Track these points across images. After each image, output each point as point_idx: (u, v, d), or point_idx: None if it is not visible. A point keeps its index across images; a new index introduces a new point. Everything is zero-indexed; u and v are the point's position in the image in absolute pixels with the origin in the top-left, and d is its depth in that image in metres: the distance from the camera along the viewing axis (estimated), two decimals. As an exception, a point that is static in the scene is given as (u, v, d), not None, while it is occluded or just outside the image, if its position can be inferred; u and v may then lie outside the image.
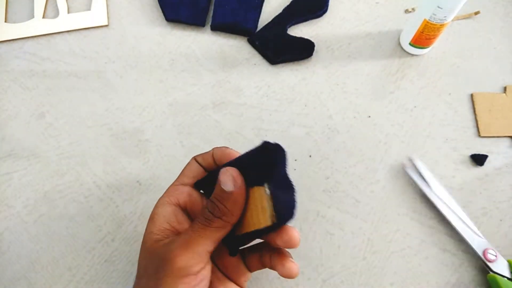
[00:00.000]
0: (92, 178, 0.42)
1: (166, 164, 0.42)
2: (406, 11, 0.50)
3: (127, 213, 0.40)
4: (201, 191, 0.33)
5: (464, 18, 0.50)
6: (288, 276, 0.30)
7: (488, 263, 0.37)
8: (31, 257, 0.38)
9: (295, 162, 0.42)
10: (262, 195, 0.27)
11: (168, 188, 0.32)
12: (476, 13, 0.49)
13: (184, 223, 0.31)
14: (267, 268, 0.32)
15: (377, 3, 0.51)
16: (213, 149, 0.33)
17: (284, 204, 0.27)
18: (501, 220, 0.40)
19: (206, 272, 0.28)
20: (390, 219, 0.40)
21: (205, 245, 0.27)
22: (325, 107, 0.45)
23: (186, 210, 0.32)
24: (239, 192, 0.28)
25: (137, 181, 0.42)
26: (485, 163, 0.43)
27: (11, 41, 0.47)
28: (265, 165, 0.28)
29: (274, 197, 0.27)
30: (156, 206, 0.31)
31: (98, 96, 0.45)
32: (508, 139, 0.44)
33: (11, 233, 0.39)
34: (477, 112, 0.45)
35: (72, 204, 0.40)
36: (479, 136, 0.44)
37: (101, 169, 0.42)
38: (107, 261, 0.39)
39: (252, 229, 0.28)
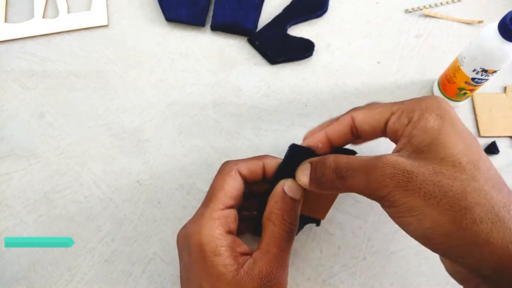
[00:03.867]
0: (92, 178, 0.41)
1: (166, 164, 0.42)
2: (406, 11, 0.50)
3: (127, 213, 0.40)
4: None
5: (466, 23, 0.50)
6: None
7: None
8: (30, 257, 0.38)
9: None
10: None
11: (213, 212, 0.30)
12: (480, 22, 0.49)
13: (242, 244, 0.30)
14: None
15: (377, 3, 0.51)
16: (263, 159, 0.33)
17: None
18: (501, 220, 0.40)
19: None
20: (390, 219, 0.40)
21: (289, 255, 0.30)
22: (325, 107, 0.45)
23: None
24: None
25: (137, 181, 0.41)
26: (485, 163, 0.42)
27: (11, 41, 0.47)
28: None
29: None
30: (212, 237, 0.29)
31: (98, 96, 0.45)
32: (508, 139, 0.44)
33: (11, 233, 0.39)
34: (477, 112, 0.45)
35: (72, 204, 0.40)
36: (479, 136, 0.44)
37: (100, 169, 0.42)
38: (107, 261, 0.39)
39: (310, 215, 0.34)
